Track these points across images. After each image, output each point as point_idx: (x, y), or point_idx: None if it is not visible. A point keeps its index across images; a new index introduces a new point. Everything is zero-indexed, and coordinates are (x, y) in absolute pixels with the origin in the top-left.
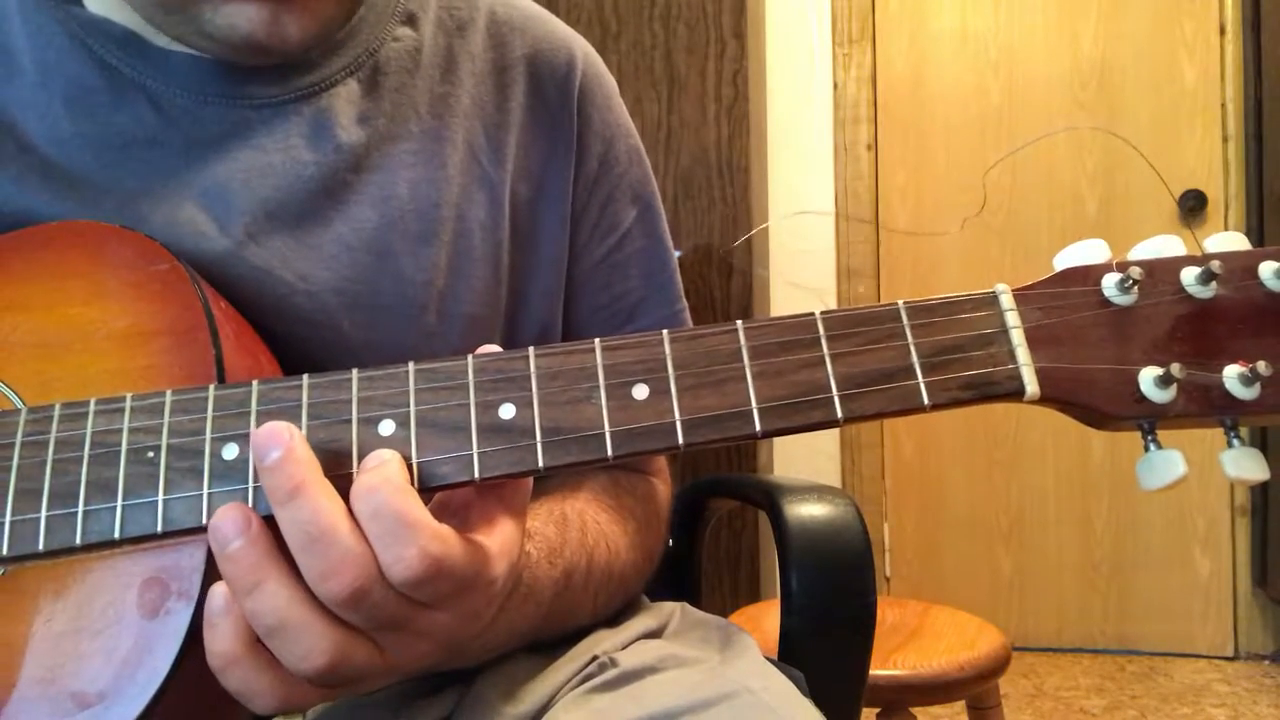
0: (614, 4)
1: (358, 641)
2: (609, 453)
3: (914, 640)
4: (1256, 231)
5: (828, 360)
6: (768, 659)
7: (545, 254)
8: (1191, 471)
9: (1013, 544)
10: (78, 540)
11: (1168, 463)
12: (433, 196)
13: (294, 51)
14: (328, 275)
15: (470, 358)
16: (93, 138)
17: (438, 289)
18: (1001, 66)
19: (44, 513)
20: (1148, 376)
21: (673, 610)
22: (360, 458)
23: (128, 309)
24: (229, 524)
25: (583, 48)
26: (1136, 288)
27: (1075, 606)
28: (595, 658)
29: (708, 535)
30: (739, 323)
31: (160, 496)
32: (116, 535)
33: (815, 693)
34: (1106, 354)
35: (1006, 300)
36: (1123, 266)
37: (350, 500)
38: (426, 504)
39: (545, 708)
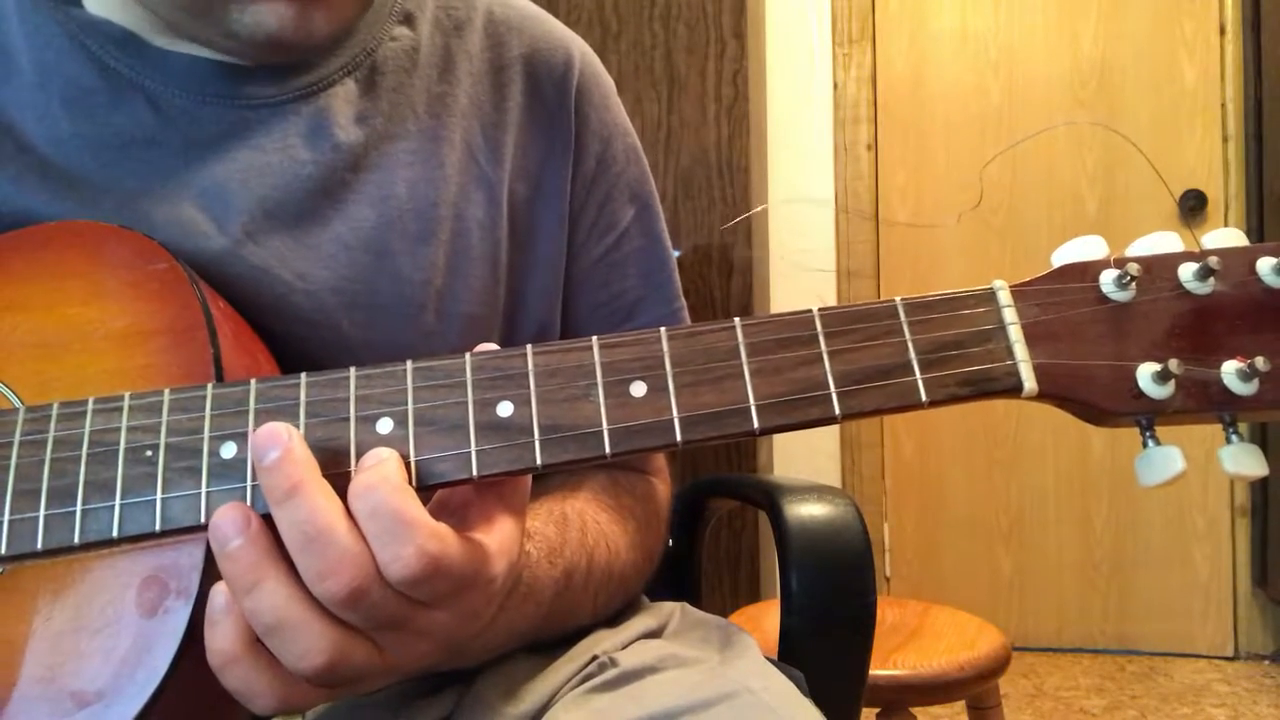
0: (614, 4)
1: (356, 641)
2: (607, 450)
3: (914, 640)
4: (1256, 231)
5: (825, 357)
6: (768, 659)
7: (543, 253)
8: (1191, 471)
9: (1013, 544)
10: (76, 539)
11: (1166, 459)
12: (431, 196)
13: (317, 48)
14: (326, 274)
15: (468, 356)
16: (91, 138)
17: (436, 288)
18: (1001, 66)
19: (42, 512)
20: (1146, 372)
21: (673, 610)
22: (358, 456)
23: (126, 308)
24: (228, 523)
25: (580, 47)
26: (1134, 284)
27: (1075, 606)
28: (595, 658)
29: (708, 535)
30: (736, 320)
31: (158, 495)
32: (115, 534)
33: (815, 693)
34: (1104, 350)
35: (1004, 296)
36: (1120, 263)
37: (348, 499)
38: (425, 503)
39: (545, 707)
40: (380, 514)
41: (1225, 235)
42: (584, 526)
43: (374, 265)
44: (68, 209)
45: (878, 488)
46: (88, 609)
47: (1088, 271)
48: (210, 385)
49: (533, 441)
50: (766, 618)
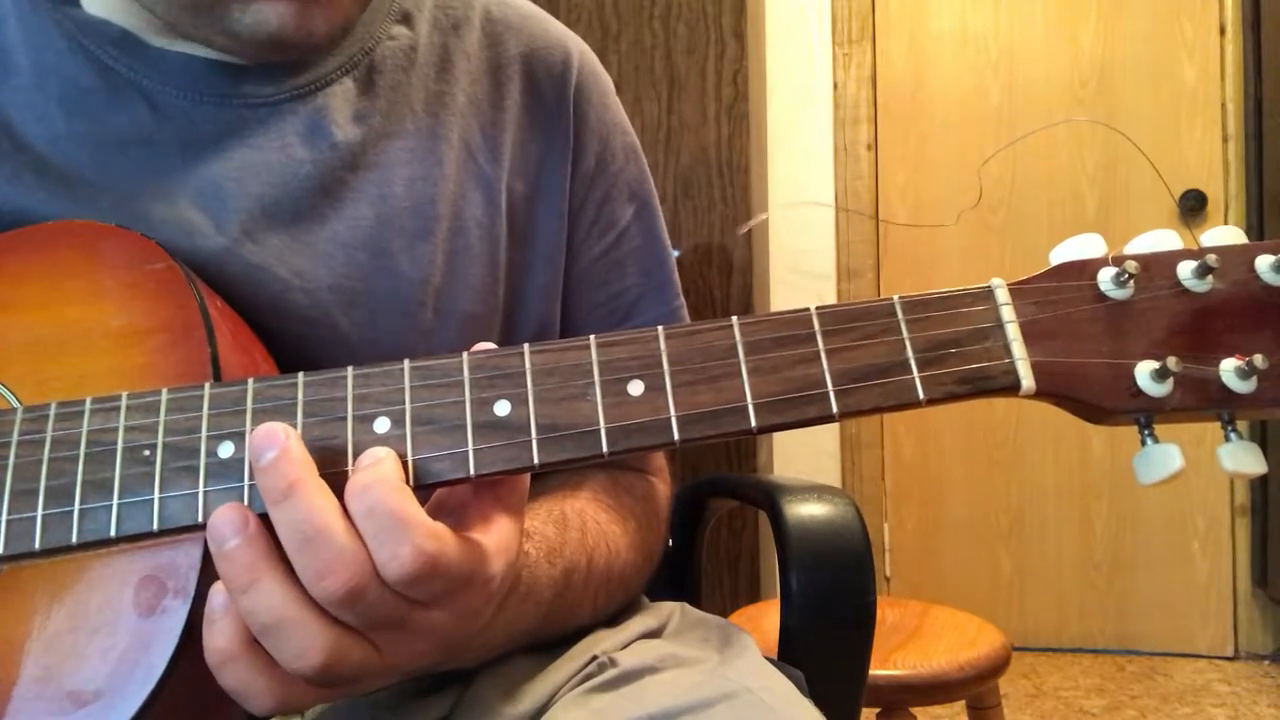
0: (614, 4)
1: (354, 641)
2: (604, 449)
3: (914, 640)
4: (1256, 231)
5: (823, 355)
6: (768, 659)
7: (542, 251)
8: (1191, 470)
9: (1013, 544)
10: (74, 539)
11: (1165, 456)
12: (429, 194)
13: (316, 47)
14: (324, 273)
15: (465, 355)
16: (89, 137)
17: (434, 286)
18: (1001, 66)
19: (40, 511)
20: (1144, 370)
21: (672, 610)
22: (355, 455)
23: (124, 308)
24: (226, 523)
25: (578, 46)
26: (1132, 282)
27: (1075, 606)
28: (595, 657)
29: (708, 535)
30: (734, 319)
31: (156, 495)
32: (112, 534)
33: (815, 693)
34: (1103, 348)
35: (1002, 295)
36: (1119, 261)
37: (345, 498)
38: (423, 502)
39: (544, 707)
40: (377, 513)
41: (1224, 233)
42: (584, 526)
43: (372, 264)
44: (65, 208)
45: (878, 488)
46: (85, 608)
47: (1086, 269)
48: (207, 385)
49: (530, 440)
50: (766, 618)
